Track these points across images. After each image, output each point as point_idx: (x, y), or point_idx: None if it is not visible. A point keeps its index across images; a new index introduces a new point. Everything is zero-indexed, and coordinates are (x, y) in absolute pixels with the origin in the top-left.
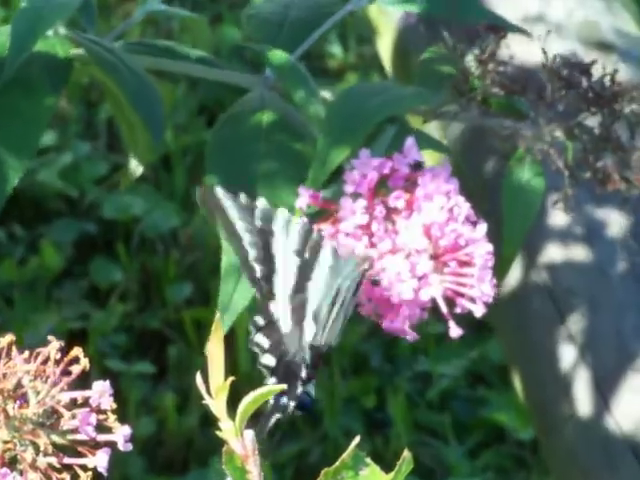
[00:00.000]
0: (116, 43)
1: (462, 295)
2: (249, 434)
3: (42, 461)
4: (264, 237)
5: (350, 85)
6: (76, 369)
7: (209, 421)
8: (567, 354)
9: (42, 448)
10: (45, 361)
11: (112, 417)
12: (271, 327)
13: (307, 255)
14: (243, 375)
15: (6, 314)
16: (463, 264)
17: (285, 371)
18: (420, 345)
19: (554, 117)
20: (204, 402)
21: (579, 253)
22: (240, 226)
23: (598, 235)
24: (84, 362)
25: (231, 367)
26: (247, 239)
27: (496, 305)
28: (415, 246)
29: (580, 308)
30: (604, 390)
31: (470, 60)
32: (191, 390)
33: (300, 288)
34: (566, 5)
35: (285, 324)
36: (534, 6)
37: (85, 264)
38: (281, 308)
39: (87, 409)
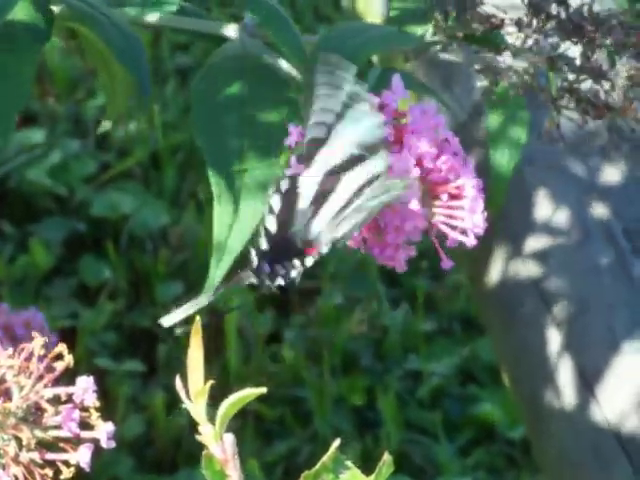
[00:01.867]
0: None
1: (453, 227)
2: (229, 438)
3: (25, 456)
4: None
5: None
6: (60, 365)
7: None
8: (557, 351)
9: (25, 443)
10: (29, 357)
11: (95, 414)
12: (290, 195)
13: (359, 151)
14: (233, 374)
15: None
16: (454, 197)
17: (280, 244)
18: (410, 343)
19: (535, 48)
20: (184, 406)
21: (569, 250)
22: (316, 106)
23: (589, 233)
24: (68, 358)
25: (222, 366)
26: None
27: (486, 303)
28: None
29: (570, 306)
30: (595, 387)
31: None
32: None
33: (335, 174)
34: None
35: (304, 200)
36: None
37: (74, 262)
38: (311, 183)
39: (70, 405)
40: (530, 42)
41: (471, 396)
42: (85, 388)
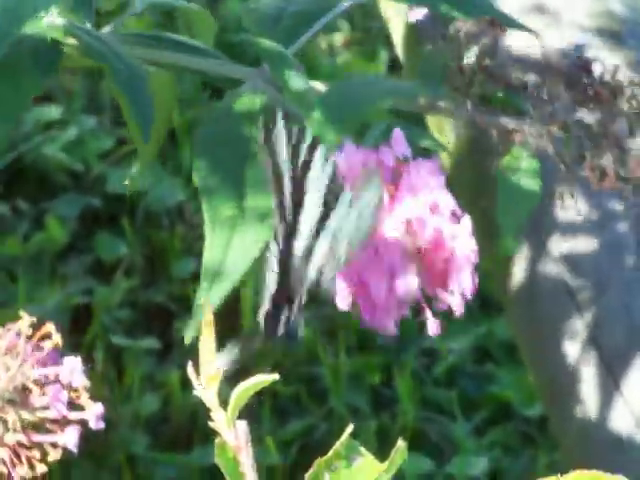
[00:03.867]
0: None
1: (442, 290)
2: (242, 425)
3: (11, 438)
4: (303, 171)
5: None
6: (48, 345)
7: None
8: (577, 333)
9: (10, 425)
10: (17, 337)
11: (85, 395)
12: (286, 256)
13: (330, 196)
14: None
15: (10, 290)
16: (444, 259)
17: (281, 294)
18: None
19: (552, 113)
20: (195, 393)
21: (589, 230)
22: (284, 162)
23: (608, 212)
24: (56, 337)
25: None
26: (287, 175)
27: (504, 282)
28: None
29: (589, 286)
30: (614, 370)
31: (468, 55)
32: (196, 367)
33: (321, 227)
34: None
35: (299, 255)
36: None
37: (90, 239)
38: (301, 243)
39: (58, 386)
40: (549, 107)
41: (487, 374)
42: (72, 369)
